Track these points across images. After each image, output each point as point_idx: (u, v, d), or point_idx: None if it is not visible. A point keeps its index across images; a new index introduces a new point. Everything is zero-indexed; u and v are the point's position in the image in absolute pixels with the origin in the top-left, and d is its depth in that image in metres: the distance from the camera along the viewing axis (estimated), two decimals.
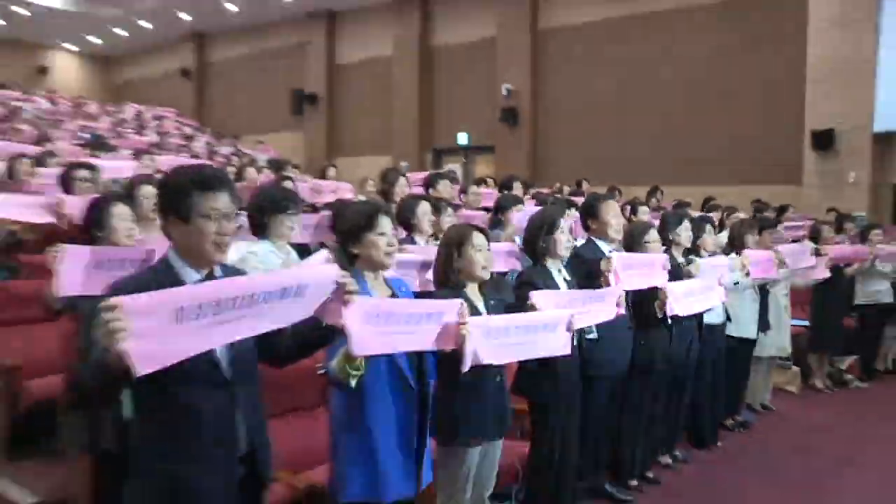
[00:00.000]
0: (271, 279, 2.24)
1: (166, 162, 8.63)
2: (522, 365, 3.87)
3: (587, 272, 4.26)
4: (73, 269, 3.33)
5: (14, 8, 22.33)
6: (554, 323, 3.31)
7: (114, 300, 1.82)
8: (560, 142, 16.82)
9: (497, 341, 3.02)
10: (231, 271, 2.40)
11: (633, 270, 4.33)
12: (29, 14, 22.65)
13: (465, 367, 2.87)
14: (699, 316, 5.10)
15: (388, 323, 2.54)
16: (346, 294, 2.30)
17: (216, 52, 24.55)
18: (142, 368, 1.83)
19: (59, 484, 4.20)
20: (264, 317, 2.13)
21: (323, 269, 2.38)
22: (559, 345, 3.33)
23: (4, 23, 23.76)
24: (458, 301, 2.87)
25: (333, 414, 2.95)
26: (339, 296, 2.31)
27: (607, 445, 4.78)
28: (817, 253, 6.58)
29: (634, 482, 4.91)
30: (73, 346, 3.64)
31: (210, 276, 2.28)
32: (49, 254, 3.39)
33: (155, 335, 1.86)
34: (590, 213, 4.67)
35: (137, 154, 7.93)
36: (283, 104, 21.33)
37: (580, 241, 4.73)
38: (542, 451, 3.93)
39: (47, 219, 4.99)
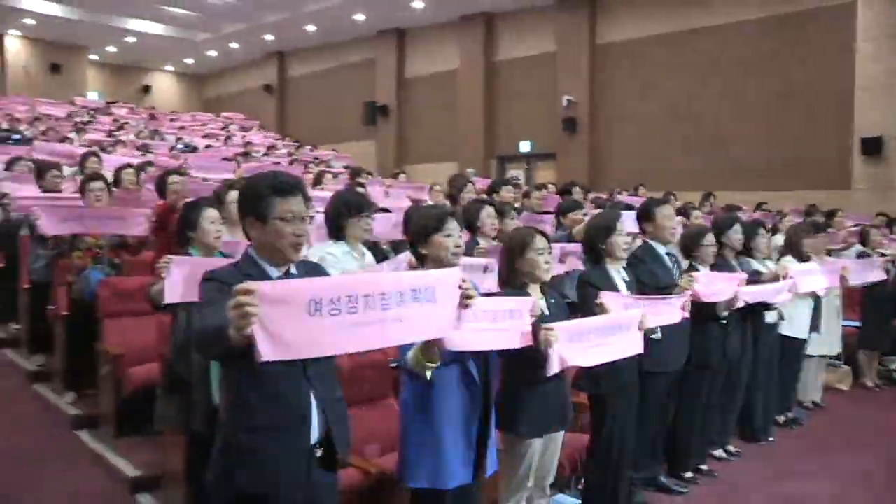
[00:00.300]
0: (400, 278, 2.18)
1: (251, 168, 8.82)
2: None
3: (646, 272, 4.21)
4: (179, 279, 3.40)
5: (125, 38, 23.23)
6: (627, 324, 3.26)
7: (250, 284, 1.76)
8: (617, 149, 16.61)
9: (579, 344, 2.99)
10: (309, 267, 2.43)
11: (714, 287, 4.32)
12: (136, 41, 23.49)
13: (552, 371, 2.86)
14: (755, 315, 5.00)
15: (477, 320, 2.51)
16: (466, 299, 2.28)
17: (296, 68, 24.93)
18: (266, 355, 1.76)
19: (157, 460, 4.33)
20: (406, 325, 2.04)
21: (447, 273, 2.30)
22: (633, 345, 3.28)
23: (116, 49, 24.74)
24: (531, 298, 2.85)
25: (403, 405, 2.95)
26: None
27: (663, 438, 4.69)
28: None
29: (689, 474, 4.79)
30: (170, 338, 3.74)
31: (287, 274, 2.30)
32: (159, 264, 3.47)
33: (286, 325, 1.78)
34: (646, 217, 4.57)
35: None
36: (356, 115, 21.54)
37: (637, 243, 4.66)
38: (600, 443, 3.86)
39: (141, 230, 5.20)
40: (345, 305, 1.87)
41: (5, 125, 13.57)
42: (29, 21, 21.77)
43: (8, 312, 7.02)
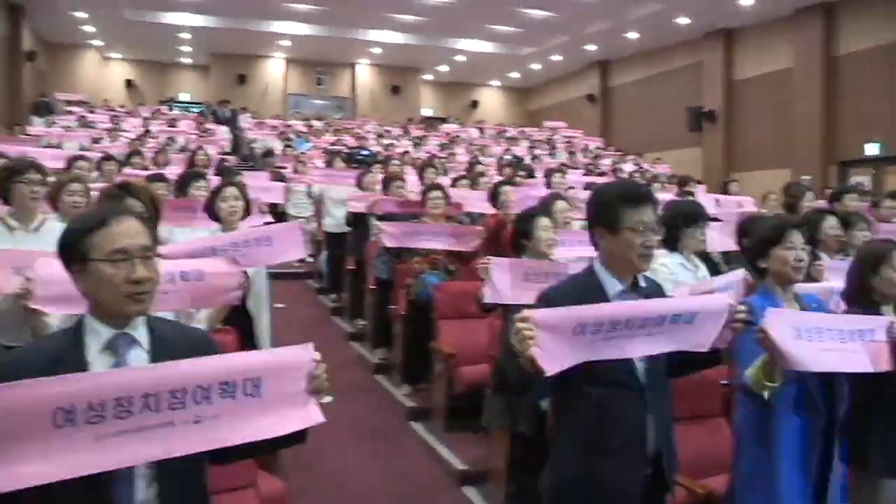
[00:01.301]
0: (661, 305, 2.26)
1: (575, 181, 9.01)
2: None
3: None
4: (500, 279, 3.60)
5: (455, 57, 25.03)
6: None
7: (526, 312, 1.99)
8: None
9: None
10: (651, 284, 2.42)
11: None
12: (465, 60, 25.18)
13: None
14: None
15: (817, 338, 2.37)
16: (735, 322, 2.22)
17: (618, 76, 24.83)
18: (550, 370, 1.99)
19: (482, 456, 4.58)
20: (657, 339, 2.17)
21: (715, 298, 2.34)
22: None
23: (448, 69, 26.71)
24: (888, 319, 2.58)
25: (739, 425, 2.81)
26: (729, 322, 2.25)
27: None
28: None
29: None
30: (500, 341, 3.95)
31: (634, 286, 2.32)
32: (480, 265, 3.71)
33: (558, 343, 2.02)
34: None
35: (549, 173, 8.38)
36: (680, 122, 20.86)
37: None
38: None
39: (473, 246, 5.58)
40: (606, 327, 2.09)
41: (355, 143, 15.41)
42: (376, 50, 24.46)
43: (357, 310, 7.95)
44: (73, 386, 1.56)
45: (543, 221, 3.87)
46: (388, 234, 5.70)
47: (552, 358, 2.01)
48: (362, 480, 4.64)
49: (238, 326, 3.74)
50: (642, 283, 2.34)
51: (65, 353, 1.75)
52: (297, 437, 1.84)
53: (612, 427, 2.23)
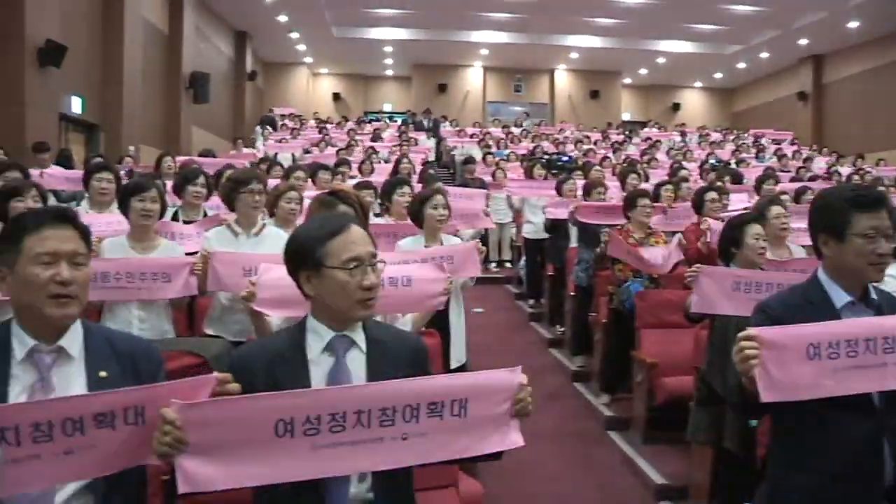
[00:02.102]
0: None
1: (786, 186, 8.54)
2: None
3: None
4: (709, 288, 3.50)
5: (656, 59, 24.43)
6: None
7: (752, 330, 1.91)
8: None
9: None
10: (884, 296, 2.23)
11: None
12: (665, 61, 24.51)
13: None
14: None
15: None
16: None
17: (834, 71, 22.98)
18: (768, 397, 1.90)
19: (683, 471, 4.43)
20: None
21: None
22: None
23: (647, 71, 26.14)
24: None
25: None
26: None
27: None
28: None
29: None
30: (706, 352, 3.81)
31: (864, 297, 2.15)
32: (688, 273, 3.61)
33: (787, 368, 1.92)
34: None
35: (760, 180, 7.99)
36: None
37: None
38: None
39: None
40: (843, 349, 1.94)
41: (554, 149, 15.43)
42: (574, 55, 24.43)
43: (556, 316, 7.98)
44: (293, 401, 1.70)
45: (755, 229, 3.71)
46: (584, 212, 6.04)
47: (775, 383, 1.90)
48: (558, 488, 4.63)
49: (440, 329, 3.88)
50: (873, 296, 2.15)
51: (288, 352, 1.92)
52: (494, 454, 1.89)
53: (840, 452, 2.06)
